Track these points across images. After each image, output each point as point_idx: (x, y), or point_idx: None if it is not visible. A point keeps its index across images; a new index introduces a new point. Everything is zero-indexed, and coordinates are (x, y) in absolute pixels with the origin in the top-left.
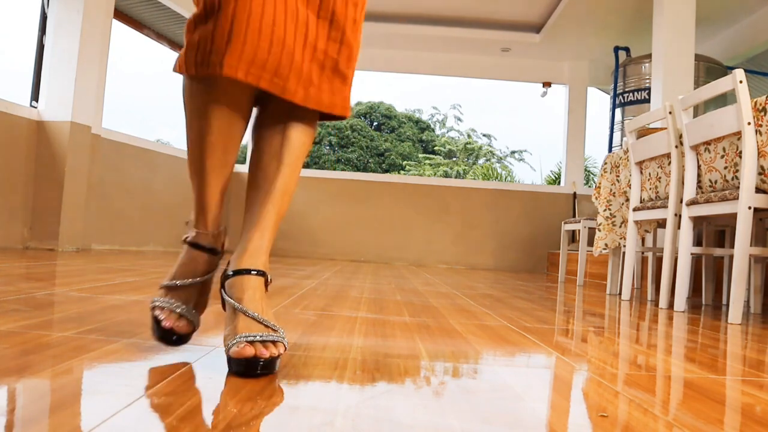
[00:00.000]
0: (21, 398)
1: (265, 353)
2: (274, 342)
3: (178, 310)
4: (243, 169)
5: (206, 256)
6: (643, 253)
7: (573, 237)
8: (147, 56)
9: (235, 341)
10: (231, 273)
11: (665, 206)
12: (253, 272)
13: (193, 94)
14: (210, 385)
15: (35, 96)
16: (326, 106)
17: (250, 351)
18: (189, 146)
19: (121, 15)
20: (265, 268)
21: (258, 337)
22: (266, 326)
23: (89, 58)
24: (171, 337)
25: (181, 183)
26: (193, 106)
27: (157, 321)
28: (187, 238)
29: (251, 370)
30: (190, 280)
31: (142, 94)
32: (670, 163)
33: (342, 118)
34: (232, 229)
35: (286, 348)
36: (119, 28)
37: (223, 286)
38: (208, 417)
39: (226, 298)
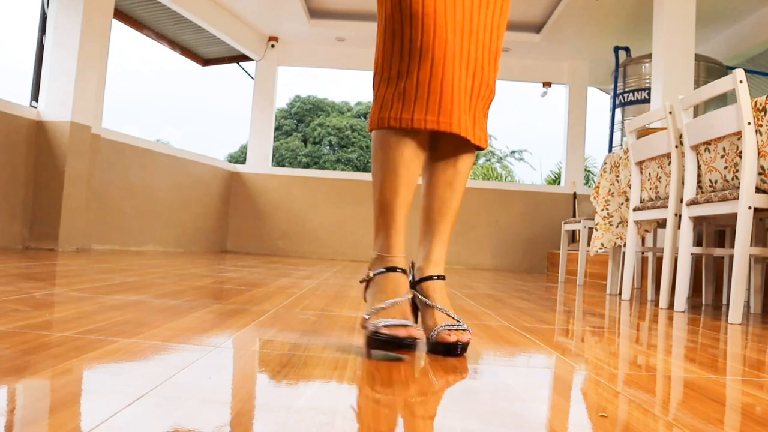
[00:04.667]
0: (21, 398)
1: (464, 338)
2: (464, 330)
3: (407, 323)
4: (243, 169)
5: (403, 276)
6: (643, 253)
7: (573, 237)
8: (151, 55)
9: (438, 330)
10: (421, 278)
11: (665, 206)
12: (436, 277)
13: (393, 142)
14: (210, 385)
15: (35, 96)
16: (482, 141)
17: (452, 337)
18: (381, 188)
19: (121, 15)
20: (444, 273)
21: (455, 327)
22: (454, 318)
23: (89, 58)
24: (407, 342)
25: (181, 183)
26: (386, 154)
27: (382, 339)
28: (373, 272)
29: (453, 351)
30: (392, 300)
31: (146, 93)
32: (670, 163)
33: (481, 148)
34: (233, 229)
35: (471, 334)
36: (119, 28)
37: (413, 287)
38: (207, 417)
39: (420, 297)
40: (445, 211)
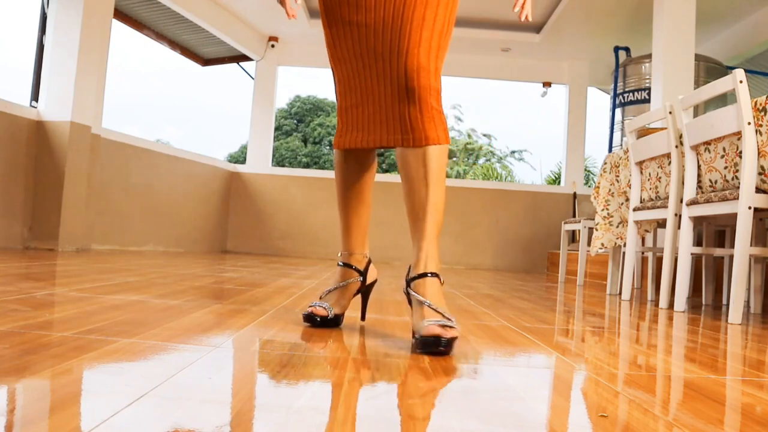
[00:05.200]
0: (21, 398)
1: (446, 334)
2: (451, 327)
3: (322, 305)
4: (243, 169)
5: (350, 271)
6: (643, 253)
7: (573, 237)
8: (151, 55)
9: (424, 324)
10: (414, 277)
11: (665, 206)
12: (428, 275)
13: (339, 159)
14: (210, 385)
15: (35, 96)
16: (433, 140)
17: (437, 330)
18: (337, 195)
19: (121, 15)
20: (437, 270)
21: (440, 322)
22: (443, 315)
23: (89, 58)
24: (312, 318)
25: (181, 183)
26: (338, 166)
27: (309, 312)
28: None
29: (436, 345)
30: (330, 287)
31: (146, 93)
32: (670, 163)
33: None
34: (233, 229)
35: (458, 334)
36: (119, 28)
37: (408, 286)
38: (208, 417)
39: (413, 294)
40: (426, 208)
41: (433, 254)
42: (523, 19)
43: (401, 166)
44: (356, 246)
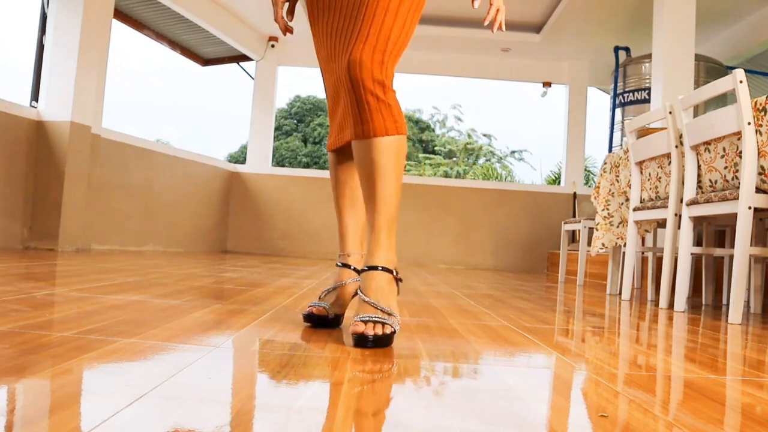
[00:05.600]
0: (21, 398)
1: (370, 332)
2: (383, 323)
3: (322, 305)
4: (243, 169)
5: (348, 271)
6: (643, 253)
7: (573, 237)
8: (151, 55)
9: (354, 320)
10: (362, 269)
11: (665, 206)
12: (368, 268)
13: (332, 160)
14: (210, 385)
15: (35, 96)
16: (380, 132)
17: (361, 328)
18: (333, 196)
19: (121, 15)
20: (385, 264)
21: (372, 318)
22: (378, 309)
23: (89, 58)
24: (312, 318)
25: (181, 183)
26: (331, 167)
27: (309, 311)
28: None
29: (361, 343)
30: (329, 287)
31: (146, 93)
32: (670, 163)
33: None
34: (233, 229)
35: (394, 330)
36: (119, 28)
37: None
38: (208, 417)
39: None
40: (375, 201)
41: (382, 248)
42: (495, 31)
43: (354, 157)
44: (354, 246)
